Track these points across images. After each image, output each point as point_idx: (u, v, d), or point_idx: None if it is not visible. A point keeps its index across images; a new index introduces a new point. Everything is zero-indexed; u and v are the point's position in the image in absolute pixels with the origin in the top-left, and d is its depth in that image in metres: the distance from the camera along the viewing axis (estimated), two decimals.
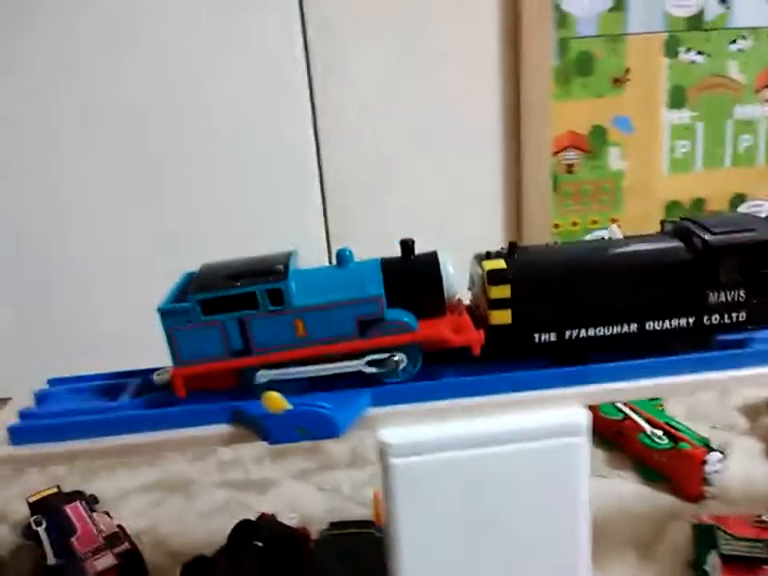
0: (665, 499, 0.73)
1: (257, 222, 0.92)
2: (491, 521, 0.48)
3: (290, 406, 0.45)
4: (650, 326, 0.50)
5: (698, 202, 1.06)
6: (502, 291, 0.48)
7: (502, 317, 0.48)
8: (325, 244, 0.95)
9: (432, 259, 0.49)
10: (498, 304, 0.48)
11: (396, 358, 0.48)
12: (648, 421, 0.78)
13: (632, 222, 1.04)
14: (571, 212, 1.03)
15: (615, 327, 0.50)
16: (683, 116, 1.03)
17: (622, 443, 0.79)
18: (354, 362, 0.48)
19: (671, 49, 1.00)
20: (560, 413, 0.47)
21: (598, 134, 1.01)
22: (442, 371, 0.50)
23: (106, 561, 0.64)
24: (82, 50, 0.84)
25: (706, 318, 0.50)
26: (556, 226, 1.03)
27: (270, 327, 0.46)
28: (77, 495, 0.75)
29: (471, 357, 0.48)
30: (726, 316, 0.50)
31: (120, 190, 0.90)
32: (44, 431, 0.47)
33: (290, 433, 0.45)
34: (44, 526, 0.69)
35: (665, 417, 0.78)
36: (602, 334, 0.50)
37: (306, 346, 0.47)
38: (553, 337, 0.49)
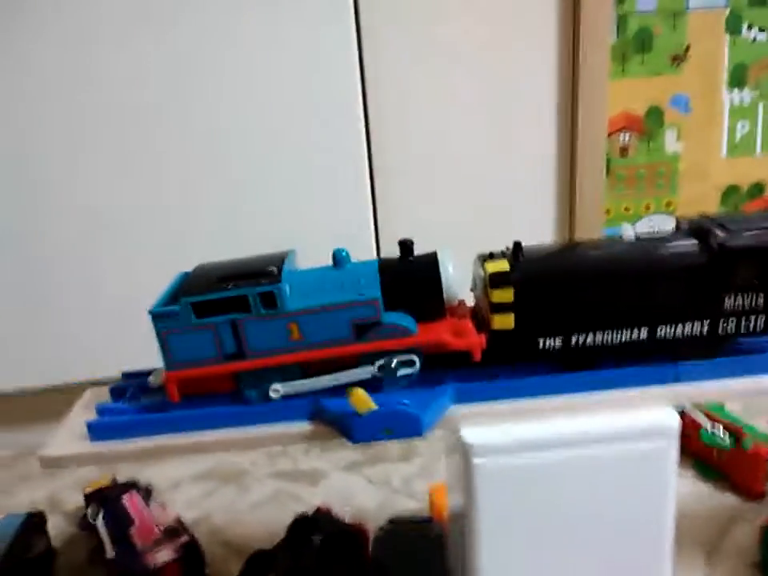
0: (726, 498, 0.72)
1: (302, 215, 0.90)
2: (574, 523, 0.47)
3: (375, 406, 0.44)
4: (661, 331, 0.48)
5: (757, 187, 1.02)
6: (505, 295, 0.46)
7: (504, 321, 0.47)
8: (372, 233, 0.92)
9: (431, 260, 0.48)
10: (501, 308, 0.46)
11: (403, 359, 0.46)
12: (708, 417, 0.76)
13: (688, 207, 1.00)
14: (624, 197, 1.00)
15: (625, 332, 0.48)
16: (744, 96, 0.98)
17: (681, 441, 0.77)
18: (367, 369, 0.47)
19: (733, 26, 0.95)
20: (649, 414, 0.46)
21: (655, 115, 0.97)
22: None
23: (167, 554, 0.63)
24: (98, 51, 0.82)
25: (721, 323, 0.48)
26: (607, 211, 0.99)
27: (263, 331, 0.45)
28: (132, 486, 0.75)
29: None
30: (743, 321, 0.48)
31: (162, 185, 0.88)
32: (123, 428, 0.47)
33: (374, 432, 0.44)
34: (101, 517, 0.69)
35: (725, 413, 0.76)
36: (610, 339, 0.48)
37: (301, 350, 0.46)
38: (558, 342, 0.48)
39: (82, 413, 0.51)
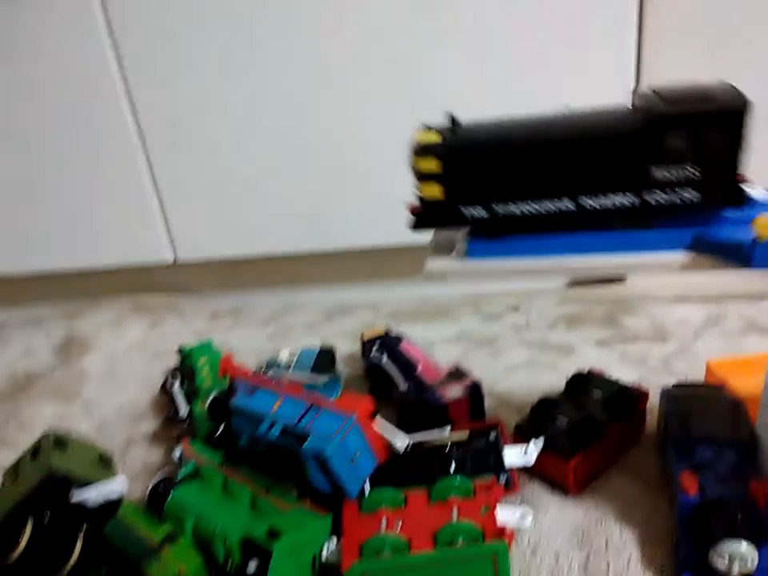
0: None
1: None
2: None
3: None
4: (585, 202, 0.47)
5: None
6: (429, 165, 0.48)
7: (430, 191, 0.49)
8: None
9: None
10: (426, 177, 0.49)
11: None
12: None
13: None
14: None
15: (548, 203, 0.48)
16: None
17: None
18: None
19: None
20: None
21: None
22: None
23: (456, 391, 0.66)
24: None
25: (648, 195, 0.46)
26: None
27: None
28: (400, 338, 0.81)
29: None
30: (673, 194, 0.46)
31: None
32: (497, 248, 0.50)
33: None
34: (387, 359, 0.76)
35: None
36: (534, 210, 0.48)
37: None
38: (482, 212, 0.49)
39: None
